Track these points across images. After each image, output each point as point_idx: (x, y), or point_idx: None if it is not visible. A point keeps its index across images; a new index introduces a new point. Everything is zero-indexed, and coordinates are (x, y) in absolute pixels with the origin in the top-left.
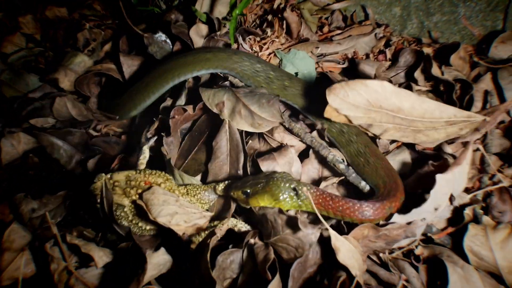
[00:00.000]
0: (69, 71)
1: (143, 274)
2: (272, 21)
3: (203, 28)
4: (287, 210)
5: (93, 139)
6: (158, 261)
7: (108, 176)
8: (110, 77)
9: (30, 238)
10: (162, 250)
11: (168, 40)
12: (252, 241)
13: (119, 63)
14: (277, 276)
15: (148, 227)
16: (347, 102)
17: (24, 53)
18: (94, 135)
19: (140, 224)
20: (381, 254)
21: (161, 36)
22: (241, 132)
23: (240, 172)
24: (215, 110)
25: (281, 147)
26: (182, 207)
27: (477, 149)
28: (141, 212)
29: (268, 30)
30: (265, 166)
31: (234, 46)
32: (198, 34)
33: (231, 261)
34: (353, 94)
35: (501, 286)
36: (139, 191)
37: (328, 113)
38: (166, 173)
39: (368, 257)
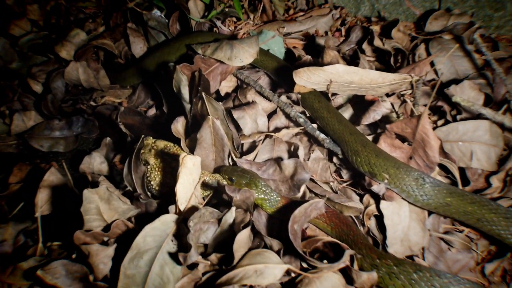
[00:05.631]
0: (65, 42)
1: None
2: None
3: (199, 3)
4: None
5: (96, 108)
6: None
7: (154, 140)
8: (106, 53)
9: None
10: (103, 187)
11: (162, 15)
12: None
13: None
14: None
15: (157, 188)
16: (310, 81)
17: (32, 36)
18: (96, 105)
19: (152, 183)
20: (331, 183)
21: (156, 12)
22: (226, 125)
23: (226, 162)
24: (199, 51)
25: (250, 103)
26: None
27: (407, 101)
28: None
29: (252, 15)
30: (237, 114)
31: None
32: (195, 6)
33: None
34: (314, 76)
35: None
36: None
37: (297, 89)
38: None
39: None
